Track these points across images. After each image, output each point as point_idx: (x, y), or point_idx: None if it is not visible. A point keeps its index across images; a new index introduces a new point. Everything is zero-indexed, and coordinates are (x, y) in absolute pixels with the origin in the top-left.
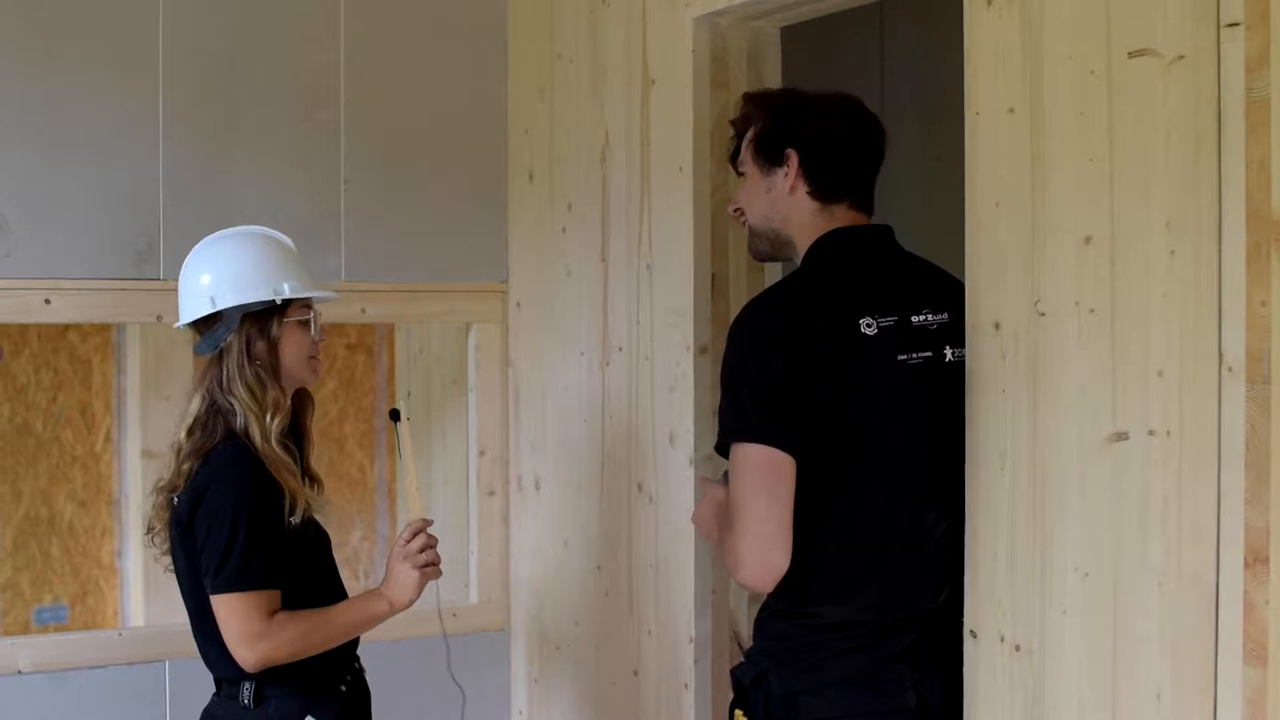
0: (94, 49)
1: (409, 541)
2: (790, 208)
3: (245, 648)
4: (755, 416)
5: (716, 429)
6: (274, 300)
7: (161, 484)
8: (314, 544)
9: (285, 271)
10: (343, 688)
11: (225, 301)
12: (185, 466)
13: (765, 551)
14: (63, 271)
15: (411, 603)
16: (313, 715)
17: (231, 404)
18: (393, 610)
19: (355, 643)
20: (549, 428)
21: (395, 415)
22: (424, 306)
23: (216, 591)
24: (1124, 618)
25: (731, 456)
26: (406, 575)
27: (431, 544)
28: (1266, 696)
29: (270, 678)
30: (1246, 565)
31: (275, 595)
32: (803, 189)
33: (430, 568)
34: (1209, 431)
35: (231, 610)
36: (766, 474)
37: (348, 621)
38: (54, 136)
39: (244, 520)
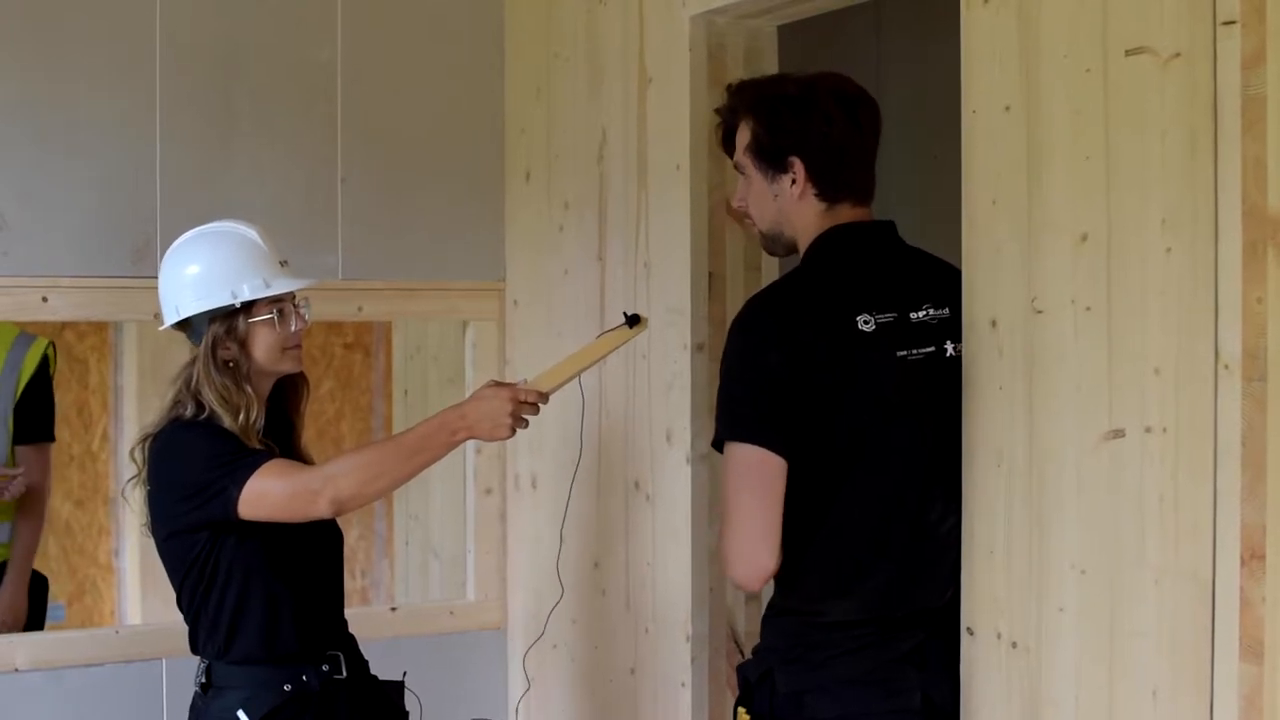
0: (91, 46)
1: (521, 393)
2: (796, 211)
3: (305, 500)
4: (749, 416)
5: (714, 426)
6: (233, 304)
7: (135, 476)
8: (322, 538)
9: (245, 272)
10: (287, 687)
11: (188, 309)
12: (137, 451)
13: (754, 551)
14: (60, 269)
15: (488, 434)
16: (244, 710)
17: (195, 402)
18: (468, 430)
19: (327, 642)
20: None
21: (633, 320)
22: (421, 305)
23: (233, 506)
24: (1120, 615)
25: (724, 454)
26: (499, 402)
27: (532, 414)
28: (1262, 693)
29: (221, 663)
30: (1243, 562)
31: (277, 460)
32: (810, 193)
33: (521, 419)
34: (1205, 428)
35: (262, 493)
36: (756, 474)
37: (417, 436)
38: (51, 134)
39: (204, 447)
